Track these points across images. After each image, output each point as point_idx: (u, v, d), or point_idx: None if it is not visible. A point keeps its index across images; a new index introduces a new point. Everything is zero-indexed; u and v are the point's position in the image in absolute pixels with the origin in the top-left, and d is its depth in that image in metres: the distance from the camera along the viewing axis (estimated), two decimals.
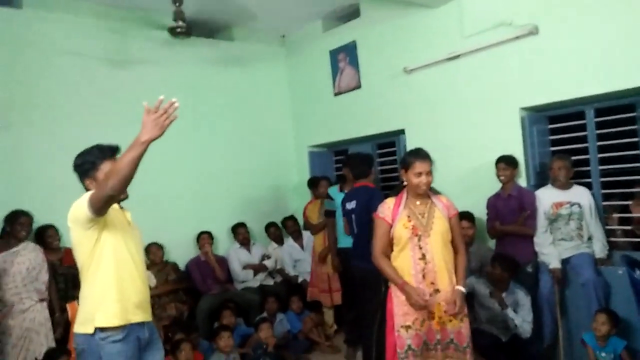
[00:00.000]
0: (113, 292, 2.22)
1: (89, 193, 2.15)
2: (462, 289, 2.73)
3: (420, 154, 2.79)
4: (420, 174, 2.71)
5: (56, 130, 4.38)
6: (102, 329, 2.19)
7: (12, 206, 3.82)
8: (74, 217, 2.20)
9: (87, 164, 2.29)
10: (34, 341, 3.63)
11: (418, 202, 2.78)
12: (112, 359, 2.18)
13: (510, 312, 3.57)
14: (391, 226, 2.76)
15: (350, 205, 3.89)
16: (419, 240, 2.70)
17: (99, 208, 2.09)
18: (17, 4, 4.35)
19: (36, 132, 4.30)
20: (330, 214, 4.54)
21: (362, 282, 3.65)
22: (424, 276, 2.69)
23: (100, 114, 4.62)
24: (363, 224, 3.68)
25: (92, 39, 4.65)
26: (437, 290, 2.70)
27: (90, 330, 2.19)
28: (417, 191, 2.75)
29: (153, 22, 5.00)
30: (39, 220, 3.97)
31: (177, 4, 4.48)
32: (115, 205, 2.31)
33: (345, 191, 4.40)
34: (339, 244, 4.40)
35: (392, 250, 2.82)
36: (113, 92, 4.75)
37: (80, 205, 2.14)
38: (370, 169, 3.99)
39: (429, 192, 2.81)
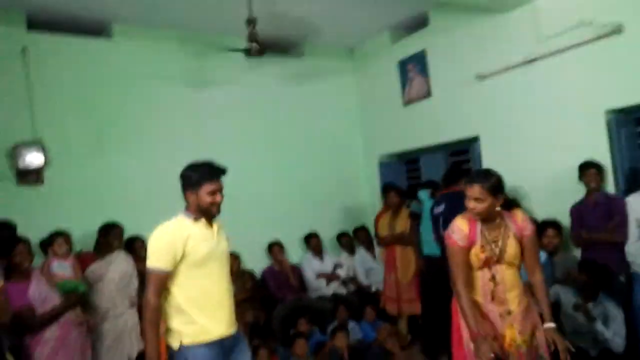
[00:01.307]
0: (197, 316, 2.35)
1: (154, 254, 2.36)
2: (552, 324, 2.51)
3: (471, 177, 2.56)
4: (469, 197, 2.52)
5: (143, 152, 4.75)
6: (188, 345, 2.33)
7: (105, 219, 4.14)
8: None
9: (193, 178, 2.42)
10: (126, 344, 3.88)
11: (493, 229, 2.55)
12: None
13: (599, 325, 3.37)
14: (468, 251, 2.56)
15: (439, 209, 3.91)
16: (490, 265, 2.57)
17: None
18: (108, 34, 4.76)
19: (125, 154, 4.67)
20: (415, 216, 4.56)
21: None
22: (492, 297, 2.56)
23: (183, 134, 4.94)
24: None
25: (174, 63, 5.00)
26: (509, 312, 2.54)
27: (176, 347, 2.34)
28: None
29: (228, 44, 5.26)
30: (128, 232, 4.27)
31: (252, 26, 4.68)
32: (203, 222, 2.43)
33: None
34: (424, 250, 4.39)
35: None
36: (194, 112, 5.07)
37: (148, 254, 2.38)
38: (459, 178, 3.95)
39: (501, 211, 2.58)
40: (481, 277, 2.57)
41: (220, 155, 5.08)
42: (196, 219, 2.43)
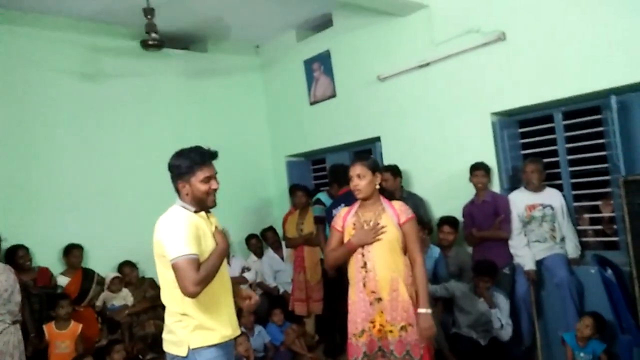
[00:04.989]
0: (210, 313, 2.18)
1: (181, 244, 2.08)
2: (425, 310, 2.54)
3: (353, 159, 2.79)
4: (352, 177, 2.71)
5: (32, 145, 4.34)
6: (195, 349, 2.15)
7: None
8: (161, 254, 2.14)
9: (183, 166, 2.23)
10: None
11: (368, 210, 2.70)
12: None
13: (497, 312, 3.61)
14: (342, 234, 2.73)
15: (336, 211, 3.92)
16: (362, 248, 2.64)
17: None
18: None
19: (8, 150, 4.23)
20: (319, 220, 4.55)
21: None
22: (364, 285, 2.63)
23: (77, 127, 4.61)
24: None
25: (67, 53, 4.64)
26: (378, 300, 2.60)
27: (184, 353, 2.14)
28: (356, 196, 2.73)
29: (125, 35, 4.97)
30: (8, 241, 3.89)
31: (149, 17, 4.45)
32: (203, 214, 2.27)
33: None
34: None
35: None
36: (89, 105, 4.73)
37: (170, 244, 2.09)
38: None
39: (382, 199, 2.72)
40: (355, 264, 2.67)
41: (117, 152, 4.83)
42: (196, 211, 2.25)
